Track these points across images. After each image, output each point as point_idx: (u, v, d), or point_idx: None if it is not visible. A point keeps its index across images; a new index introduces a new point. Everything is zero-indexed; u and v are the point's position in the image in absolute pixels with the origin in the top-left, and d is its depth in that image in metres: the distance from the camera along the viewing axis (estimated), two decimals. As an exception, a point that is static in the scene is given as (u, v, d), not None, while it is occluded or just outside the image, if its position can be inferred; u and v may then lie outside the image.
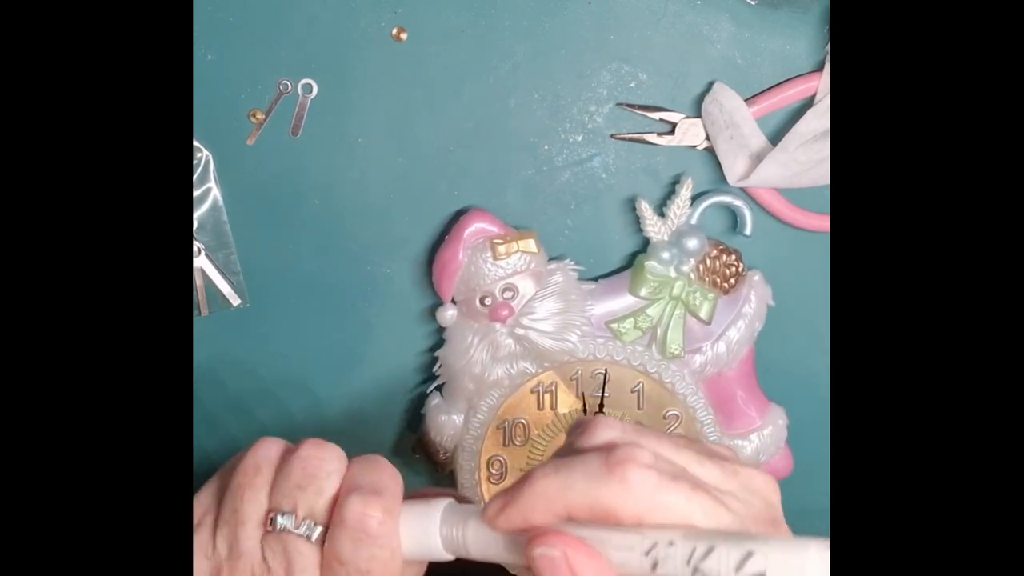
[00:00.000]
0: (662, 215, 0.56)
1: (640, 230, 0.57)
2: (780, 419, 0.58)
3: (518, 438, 0.58)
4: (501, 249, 0.53)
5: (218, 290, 0.57)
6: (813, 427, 0.61)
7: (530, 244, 0.54)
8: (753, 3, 0.54)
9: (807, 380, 0.60)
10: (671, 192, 0.57)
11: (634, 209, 0.57)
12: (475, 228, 0.54)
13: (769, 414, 0.58)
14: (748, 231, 0.56)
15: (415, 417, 0.60)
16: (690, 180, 0.55)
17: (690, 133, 0.56)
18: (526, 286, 0.55)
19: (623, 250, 0.58)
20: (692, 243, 0.55)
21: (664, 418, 0.57)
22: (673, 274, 0.56)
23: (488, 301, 0.54)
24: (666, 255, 0.55)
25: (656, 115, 0.56)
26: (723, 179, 0.57)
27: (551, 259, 0.56)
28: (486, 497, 0.59)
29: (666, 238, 0.56)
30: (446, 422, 0.57)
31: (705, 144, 0.56)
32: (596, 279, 0.57)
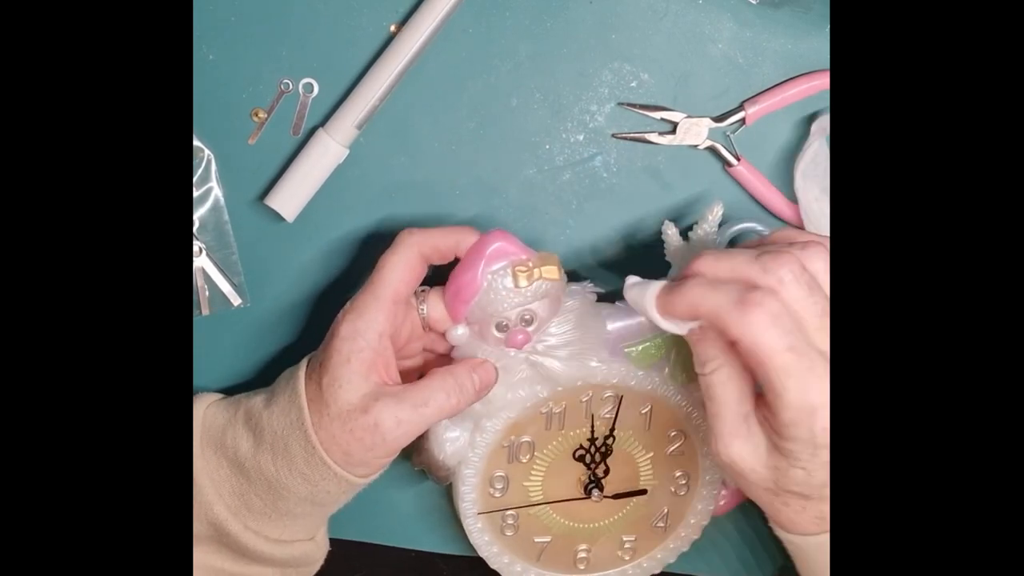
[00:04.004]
0: (686, 239, 0.54)
1: (644, 233, 0.57)
2: None
3: (524, 456, 0.57)
4: (523, 278, 0.51)
5: (218, 290, 0.57)
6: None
7: (552, 271, 0.51)
8: (755, 2, 0.54)
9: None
10: (673, 193, 0.57)
11: (635, 209, 0.57)
12: (495, 250, 0.51)
13: None
14: None
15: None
16: (719, 206, 0.53)
17: (691, 133, 0.55)
18: (544, 312, 0.52)
19: (625, 249, 0.58)
20: None
21: (668, 437, 0.57)
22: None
23: (505, 327, 0.52)
24: None
25: (657, 114, 0.55)
26: (723, 179, 0.57)
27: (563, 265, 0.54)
28: (484, 515, 0.58)
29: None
30: (449, 440, 0.55)
31: (707, 144, 0.56)
32: (610, 296, 0.56)
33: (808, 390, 0.42)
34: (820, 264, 0.43)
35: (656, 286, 0.47)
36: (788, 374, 0.42)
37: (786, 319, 0.42)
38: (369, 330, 0.49)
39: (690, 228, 0.54)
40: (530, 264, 0.51)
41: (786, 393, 0.42)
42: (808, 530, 0.46)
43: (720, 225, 0.54)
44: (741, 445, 0.45)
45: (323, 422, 0.48)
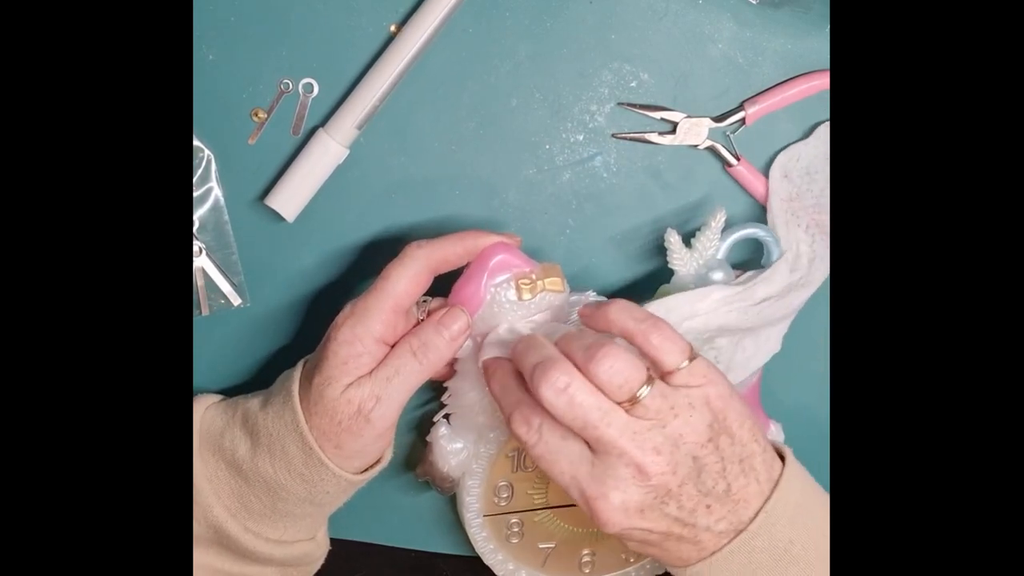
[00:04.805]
0: (689, 246, 0.54)
1: (643, 232, 0.57)
2: (779, 436, 0.58)
3: (530, 465, 0.57)
4: (526, 291, 0.50)
5: (218, 290, 0.57)
6: (812, 432, 0.61)
7: (556, 283, 0.51)
8: (755, 2, 0.54)
9: (808, 389, 0.60)
10: (673, 193, 0.57)
11: (635, 210, 0.57)
12: (498, 263, 0.51)
13: (768, 431, 0.58)
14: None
15: (420, 431, 0.60)
16: (722, 213, 0.53)
17: (691, 133, 0.55)
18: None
19: (625, 249, 0.58)
20: (719, 276, 0.53)
21: None
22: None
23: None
24: (691, 288, 0.53)
25: (657, 114, 0.55)
26: (722, 179, 0.57)
27: (559, 263, 0.54)
28: (488, 520, 0.58)
29: (693, 271, 0.53)
30: (453, 452, 0.55)
31: (707, 144, 0.56)
32: (608, 294, 0.56)
33: (567, 489, 0.46)
34: (606, 375, 0.45)
35: (486, 352, 0.50)
36: (549, 476, 0.46)
37: (531, 432, 0.46)
38: (367, 336, 0.49)
39: (692, 235, 0.54)
40: (533, 277, 0.51)
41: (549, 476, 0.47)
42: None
43: (723, 231, 0.54)
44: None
45: (314, 421, 0.49)
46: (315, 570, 0.57)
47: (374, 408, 0.48)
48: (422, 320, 0.51)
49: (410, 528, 0.63)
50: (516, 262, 0.51)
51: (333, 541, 0.58)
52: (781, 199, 0.56)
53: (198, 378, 0.59)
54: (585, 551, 0.59)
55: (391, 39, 0.54)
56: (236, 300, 0.57)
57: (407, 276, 0.50)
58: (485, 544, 0.58)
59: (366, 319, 0.49)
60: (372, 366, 0.49)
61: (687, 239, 0.54)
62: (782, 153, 0.56)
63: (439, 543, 0.63)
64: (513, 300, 0.51)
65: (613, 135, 0.56)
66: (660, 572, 0.60)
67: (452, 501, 0.60)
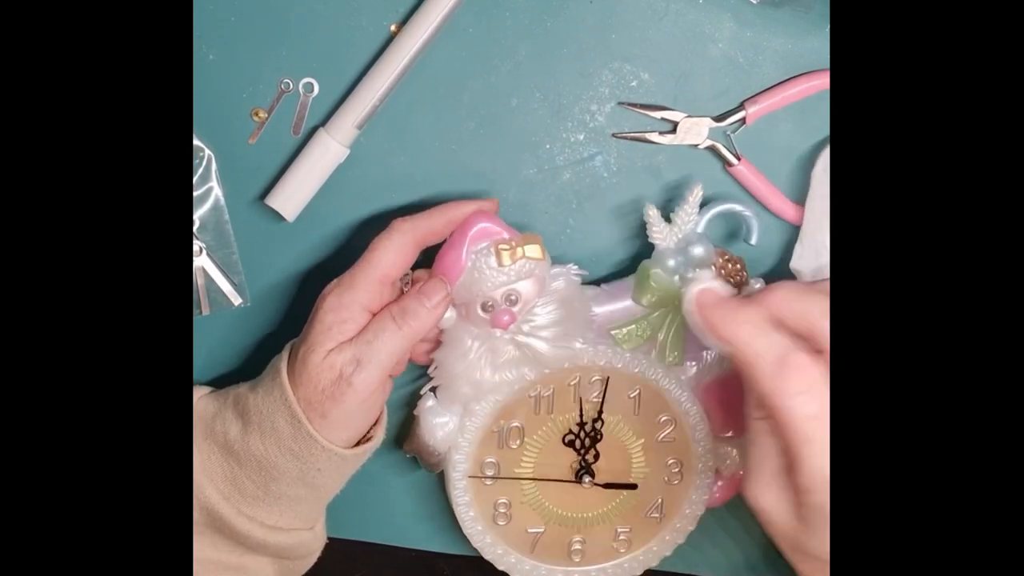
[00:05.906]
0: (669, 221, 0.54)
1: (644, 233, 0.57)
2: None
3: (514, 441, 0.57)
4: (506, 256, 0.52)
5: (219, 289, 0.57)
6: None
7: (535, 250, 0.52)
8: (755, 2, 0.54)
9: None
10: (674, 192, 0.57)
11: (636, 209, 0.57)
12: (478, 231, 0.52)
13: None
14: (754, 240, 0.56)
15: (411, 407, 0.60)
16: (699, 187, 0.54)
17: (692, 132, 0.55)
18: (529, 292, 0.53)
19: (625, 249, 0.58)
20: (699, 251, 0.53)
21: (659, 423, 0.57)
22: (678, 283, 0.53)
23: (490, 307, 0.52)
24: (671, 263, 0.53)
25: (658, 114, 0.55)
26: (723, 178, 0.57)
27: (554, 262, 0.55)
28: (475, 500, 0.58)
29: (672, 245, 0.54)
30: (439, 425, 0.56)
31: (707, 143, 0.56)
32: (598, 282, 0.57)
33: (826, 460, 0.43)
34: None
35: (702, 285, 0.50)
36: (808, 442, 0.43)
37: (821, 387, 0.43)
38: (353, 303, 0.50)
39: (671, 210, 0.54)
40: (513, 243, 0.52)
41: (804, 460, 0.43)
42: None
43: (701, 207, 0.54)
44: (772, 499, 0.46)
45: (300, 392, 0.49)
46: (311, 563, 0.57)
47: (355, 372, 0.49)
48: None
49: (410, 527, 0.63)
50: (496, 230, 0.52)
51: (333, 540, 0.58)
52: (821, 197, 0.55)
53: (198, 377, 0.59)
54: (575, 538, 0.59)
55: (391, 39, 0.54)
56: (236, 300, 0.57)
57: (393, 248, 0.51)
58: (472, 526, 0.58)
59: (352, 288, 0.50)
60: (355, 332, 0.50)
61: (667, 216, 0.54)
62: (827, 148, 0.56)
63: (439, 542, 0.64)
64: (494, 266, 0.52)
65: (613, 135, 0.56)
66: (654, 563, 0.60)
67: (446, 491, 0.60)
